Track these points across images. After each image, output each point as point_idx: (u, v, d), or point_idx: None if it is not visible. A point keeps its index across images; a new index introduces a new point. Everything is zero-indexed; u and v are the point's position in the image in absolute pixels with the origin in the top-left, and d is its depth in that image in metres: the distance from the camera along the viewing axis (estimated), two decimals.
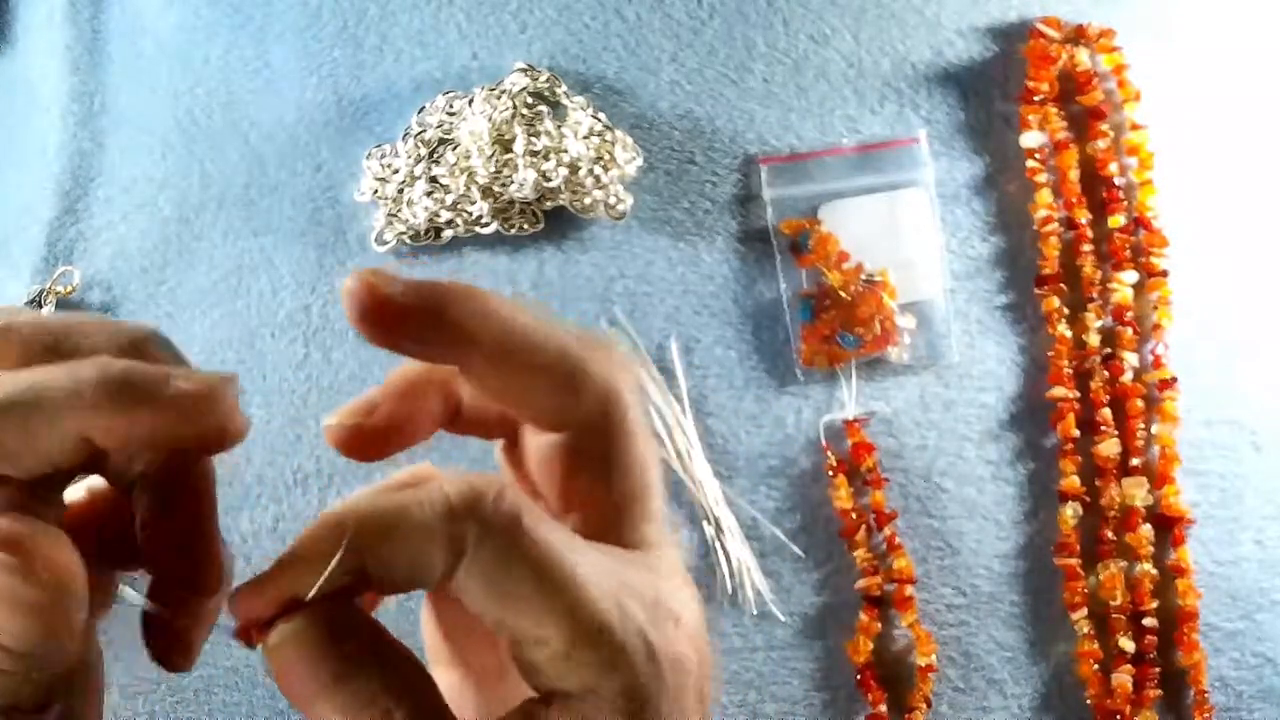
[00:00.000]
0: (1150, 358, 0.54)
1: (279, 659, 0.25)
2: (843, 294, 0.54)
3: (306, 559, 0.25)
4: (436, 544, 0.24)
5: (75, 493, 0.28)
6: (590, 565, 0.26)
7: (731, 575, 0.54)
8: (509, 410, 0.29)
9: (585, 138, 0.55)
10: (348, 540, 0.24)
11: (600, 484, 0.28)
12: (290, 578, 0.25)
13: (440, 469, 0.29)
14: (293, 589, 0.25)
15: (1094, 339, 0.54)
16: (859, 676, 0.53)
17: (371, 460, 0.29)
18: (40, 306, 0.55)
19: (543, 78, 0.56)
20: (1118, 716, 0.52)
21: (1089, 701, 0.53)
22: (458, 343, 0.27)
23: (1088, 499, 0.53)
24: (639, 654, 0.26)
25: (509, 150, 0.55)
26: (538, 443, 0.29)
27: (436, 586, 0.25)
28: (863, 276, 0.54)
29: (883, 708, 0.53)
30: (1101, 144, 0.55)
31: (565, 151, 0.55)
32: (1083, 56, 0.55)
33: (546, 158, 0.55)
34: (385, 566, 0.25)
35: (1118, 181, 0.55)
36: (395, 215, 0.56)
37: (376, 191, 0.56)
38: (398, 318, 0.26)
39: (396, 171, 0.56)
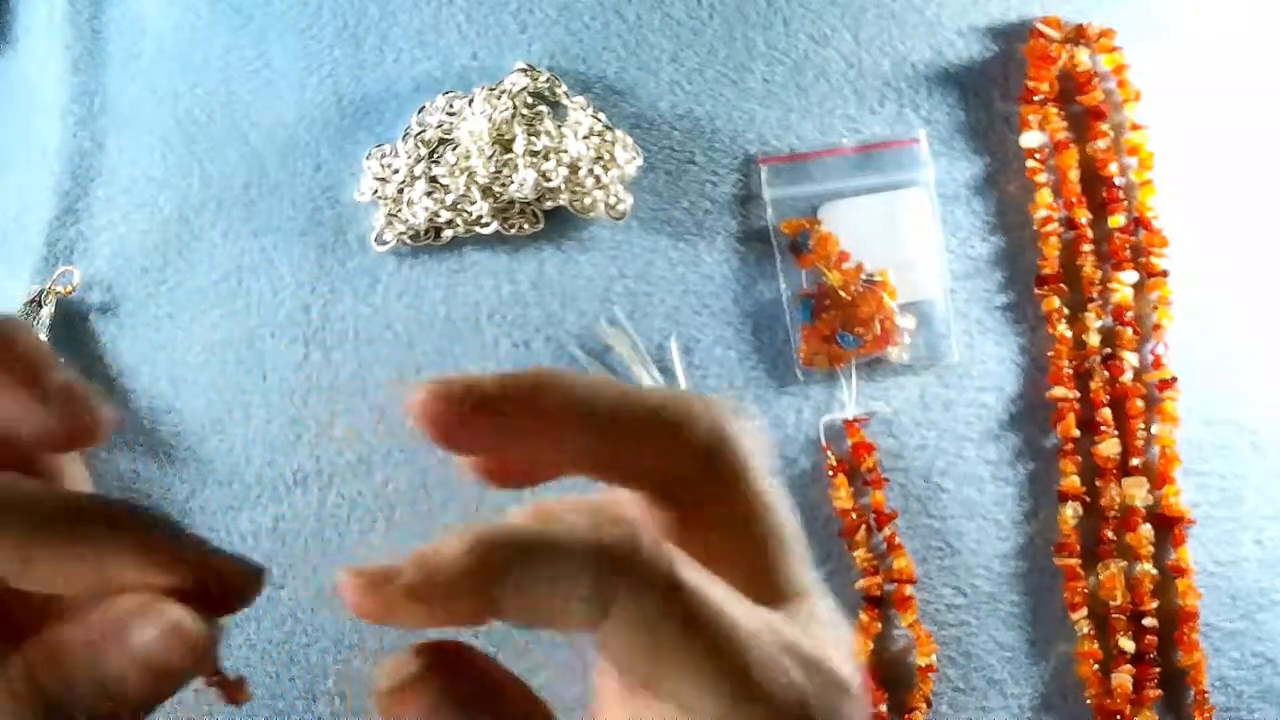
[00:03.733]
0: (1150, 358, 0.54)
1: (391, 705, 0.22)
2: (843, 294, 0.54)
3: (442, 566, 0.22)
4: (581, 585, 0.22)
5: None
6: (746, 623, 0.23)
7: None
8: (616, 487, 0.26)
9: (585, 138, 0.55)
10: (483, 553, 0.22)
11: (732, 533, 0.26)
12: (421, 582, 0.22)
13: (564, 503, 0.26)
14: (419, 594, 0.22)
15: (1094, 339, 0.54)
16: None
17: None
18: (40, 306, 0.55)
19: (543, 78, 0.56)
20: (1118, 716, 0.52)
21: (1089, 701, 0.53)
22: (552, 427, 0.24)
23: (1088, 499, 0.53)
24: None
25: (509, 150, 0.55)
26: (655, 520, 0.26)
27: (572, 630, 0.23)
28: (863, 276, 0.54)
29: (883, 708, 0.53)
30: (1101, 144, 0.55)
31: (565, 151, 0.55)
32: (1083, 56, 0.55)
33: (546, 158, 0.55)
34: (517, 595, 0.22)
35: (1118, 181, 0.55)
36: (395, 215, 0.56)
37: (376, 191, 0.56)
38: (492, 415, 0.24)
39: (396, 171, 0.56)
